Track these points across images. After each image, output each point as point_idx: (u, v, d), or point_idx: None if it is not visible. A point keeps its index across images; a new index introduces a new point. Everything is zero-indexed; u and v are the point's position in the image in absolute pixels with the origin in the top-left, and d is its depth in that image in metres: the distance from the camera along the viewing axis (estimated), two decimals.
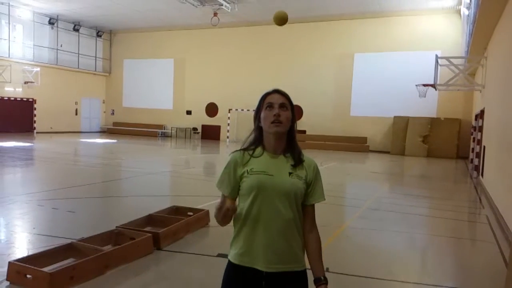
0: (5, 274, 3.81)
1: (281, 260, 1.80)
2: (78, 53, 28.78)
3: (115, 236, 4.90)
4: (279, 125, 1.83)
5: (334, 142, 23.65)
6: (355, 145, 23.31)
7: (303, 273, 1.87)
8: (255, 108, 1.94)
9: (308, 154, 1.94)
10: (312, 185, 1.89)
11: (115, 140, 23.86)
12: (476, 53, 14.52)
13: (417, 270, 5.00)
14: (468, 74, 15.63)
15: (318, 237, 1.92)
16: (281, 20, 1.84)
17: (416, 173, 15.45)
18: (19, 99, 24.90)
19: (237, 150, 1.92)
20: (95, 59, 30.29)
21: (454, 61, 15.43)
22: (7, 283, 3.75)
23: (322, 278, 1.84)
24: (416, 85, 17.64)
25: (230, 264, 1.88)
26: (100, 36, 30.37)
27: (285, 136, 1.89)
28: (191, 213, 6.10)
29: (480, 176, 12.61)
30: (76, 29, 28.22)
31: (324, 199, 1.93)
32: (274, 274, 1.80)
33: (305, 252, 1.91)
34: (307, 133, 24.37)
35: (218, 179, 1.92)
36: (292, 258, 1.83)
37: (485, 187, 10.78)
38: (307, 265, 1.88)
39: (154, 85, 29.70)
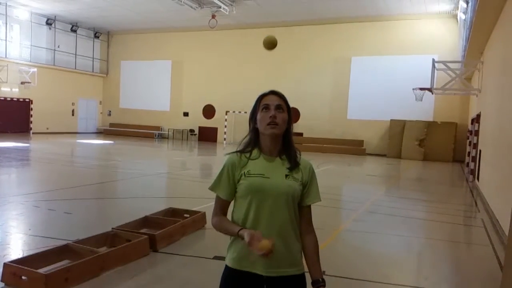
0: (0, 275, 3.79)
1: (280, 263, 1.80)
2: (76, 54, 28.72)
3: (111, 237, 4.88)
4: (275, 127, 1.82)
5: (331, 145, 23.68)
6: (351, 148, 23.34)
7: (302, 276, 1.87)
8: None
9: (305, 157, 1.95)
10: (308, 186, 1.89)
11: (112, 141, 23.80)
12: (473, 57, 14.60)
13: (413, 273, 5.01)
14: (464, 78, 15.70)
15: (315, 238, 1.92)
16: (270, 44, 1.83)
17: (412, 177, 15.49)
18: (16, 99, 24.80)
19: (233, 152, 1.92)
20: (93, 60, 30.24)
21: (451, 65, 15.51)
22: (2, 284, 3.73)
23: (320, 280, 1.83)
24: (413, 89, 17.70)
25: (227, 269, 1.86)
26: (98, 37, 30.32)
27: (281, 137, 1.88)
28: (187, 215, 6.09)
29: (476, 180, 12.66)
30: (73, 30, 28.17)
31: (320, 200, 1.93)
32: (274, 278, 1.79)
33: (303, 254, 1.90)
34: (304, 135, 24.41)
35: (213, 182, 1.90)
36: (291, 261, 1.82)
37: (480, 190, 10.83)
38: (305, 269, 1.88)
39: (151, 87, 29.67)
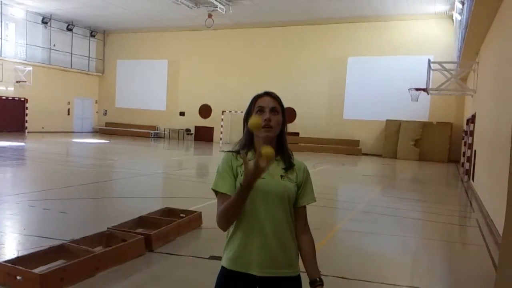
0: None
1: (275, 264, 1.80)
2: (71, 53, 28.60)
3: (106, 237, 4.87)
4: (269, 130, 1.82)
5: (327, 145, 23.73)
6: (347, 148, 23.40)
7: (298, 278, 1.87)
8: None
9: (301, 157, 1.96)
10: (303, 186, 1.90)
11: (108, 141, 23.73)
12: (468, 58, 14.67)
13: (408, 273, 5.03)
14: (460, 79, 15.78)
15: (311, 238, 1.92)
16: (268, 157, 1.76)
17: (408, 177, 15.54)
18: (11, 98, 24.66)
19: (228, 151, 1.91)
20: (88, 59, 30.13)
21: (446, 65, 15.58)
22: None
23: (318, 279, 1.83)
24: (409, 89, 17.76)
25: (223, 269, 1.86)
26: (94, 36, 30.22)
27: (275, 139, 1.88)
28: (183, 215, 6.08)
29: (471, 180, 12.72)
30: (69, 29, 28.06)
31: (315, 201, 1.93)
32: (268, 279, 1.79)
33: (299, 255, 1.90)
34: (300, 135, 24.43)
35: (214, 181, 1.85)
36: (286, 262, 1.82)
37: (475, 191, 10.88)
38: (301, 270, 1.88)
39: (147, 86, 29.60)
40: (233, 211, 1.74)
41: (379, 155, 22.66)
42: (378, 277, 4.59)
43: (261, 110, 1.85)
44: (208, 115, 27.79)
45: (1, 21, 24.04)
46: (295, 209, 1.89)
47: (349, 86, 24.12)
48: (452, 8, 19.55)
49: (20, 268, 3.70)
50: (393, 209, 8.53)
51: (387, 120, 22.62)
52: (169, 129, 28.87)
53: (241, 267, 1.80)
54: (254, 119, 1.77)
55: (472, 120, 13.82)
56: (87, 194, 8.52)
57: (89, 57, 30.12)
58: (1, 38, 24.07)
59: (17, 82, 24.40)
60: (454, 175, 16.19)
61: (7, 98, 24.49)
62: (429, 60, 15.53)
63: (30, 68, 24.79)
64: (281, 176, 1.85)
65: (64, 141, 22.14)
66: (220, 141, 25.67)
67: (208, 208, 6.49)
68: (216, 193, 1.84)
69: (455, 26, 19.58)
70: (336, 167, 16.90)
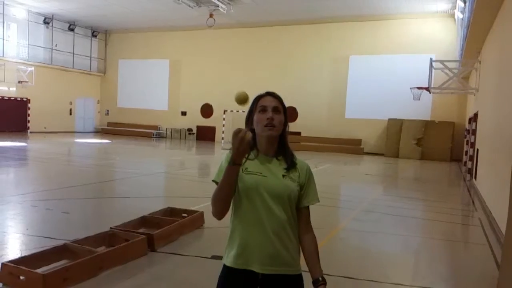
0: None
1: (276, 262, 1.80)
2: (73, 53, 28.64)
3: (109, 237, 4.88)
4: (272, 129, 1.83)
5: (329, 144, 23.71)
6: (349, 147, 23.37)
7: (299, 277, 1.87)
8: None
9: (303, 156, 1.96)
10: (305, 187, 1.90)
11: (110, 141, 23.76)
12: (470, 57, 14.62)
13: (411, 272, 5.03)
14: (462, 77, 15.75)
15: (314, 238, 1.92)
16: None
17: (410, 176, 15.52)
18: (13, 98, 24.71)
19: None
20: (90, 59, 30.17)
21: (448, 64, 15.55)
22: (0, 284, 3.72)
23: (321, 279, 1.84)
24: (411, 88, 17.74)
25: (225, 268, 1.87)
26: (95, 36, 30.25)
27: (277, 139, 1.89)
28: (185, 215, 6.09)
29: (473, 179, 12.70)
30: (71, 29, 28.09)
31: (318, 201, 1.93)
32: (269, 277, 1.79)
33: (302, 254, 1.90)
34: (302, 134, 24.42)
35: (216, 174, 1.86)
36: (287, 261, 1.82)
37: (478, 189, 10.86)
38: (302, 269, 1.89)
39: (149, 86, 29.63)
40: (223, 193, 1.78)
41: (381, 154, 22.62)
42: (381, 276, 4.59)
43: (263, 109, 1.86)
44: (209, 114, 27.80)
45: (3, 22, 24.08)
46: (298, 209, 1.89)
47: (351, 85, 24.08)
48: (454, 7, 19.48)
49: (23, 268, 3.71)
50: (395, 208, 8.52)
51: (389, 119, 22.58)
52: (171, 128, 28.89)
53: (243, 265, 1.81)
54: (240, 91, 1.80)
55: (474, 118, 13.78)
56: (89, 194, 8.54)
57: (91, 57, 30.16)
58: (3, 39, 24.11)
59: (19, 82, 24.43)
60: (457, 174, 16.16)
61: (9, 98, 24.54)
62: (431, 59, 15.50)
63: (32, 68, 24.84)
64: (283, 175, 1.85)
65: (66, 141, 22.19)
66: (222, 141, 25.65)
67: (210, 207, 6.49)
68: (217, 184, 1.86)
69: (457, 24, 19.52)
70: (338, 166, 16.89)
